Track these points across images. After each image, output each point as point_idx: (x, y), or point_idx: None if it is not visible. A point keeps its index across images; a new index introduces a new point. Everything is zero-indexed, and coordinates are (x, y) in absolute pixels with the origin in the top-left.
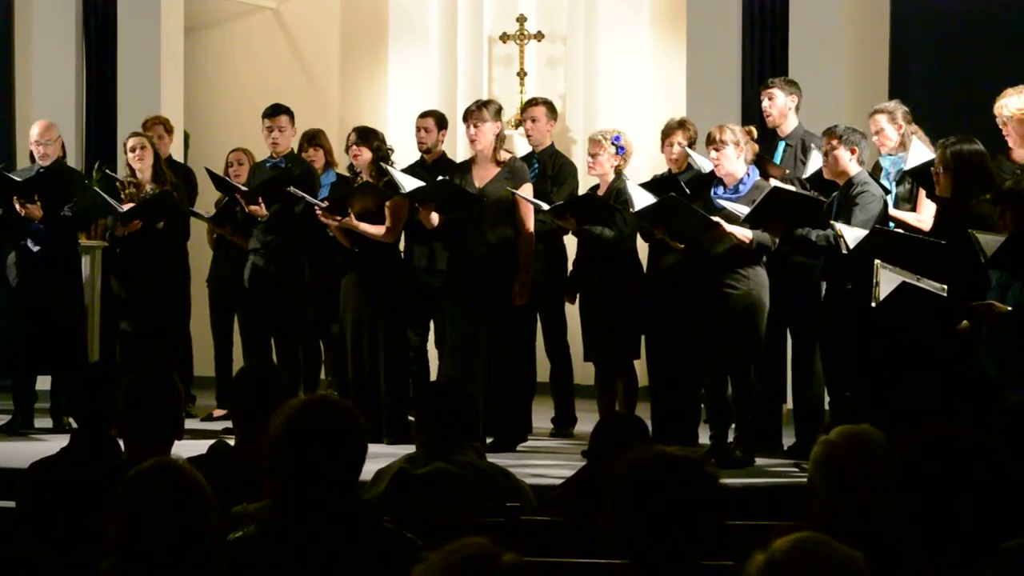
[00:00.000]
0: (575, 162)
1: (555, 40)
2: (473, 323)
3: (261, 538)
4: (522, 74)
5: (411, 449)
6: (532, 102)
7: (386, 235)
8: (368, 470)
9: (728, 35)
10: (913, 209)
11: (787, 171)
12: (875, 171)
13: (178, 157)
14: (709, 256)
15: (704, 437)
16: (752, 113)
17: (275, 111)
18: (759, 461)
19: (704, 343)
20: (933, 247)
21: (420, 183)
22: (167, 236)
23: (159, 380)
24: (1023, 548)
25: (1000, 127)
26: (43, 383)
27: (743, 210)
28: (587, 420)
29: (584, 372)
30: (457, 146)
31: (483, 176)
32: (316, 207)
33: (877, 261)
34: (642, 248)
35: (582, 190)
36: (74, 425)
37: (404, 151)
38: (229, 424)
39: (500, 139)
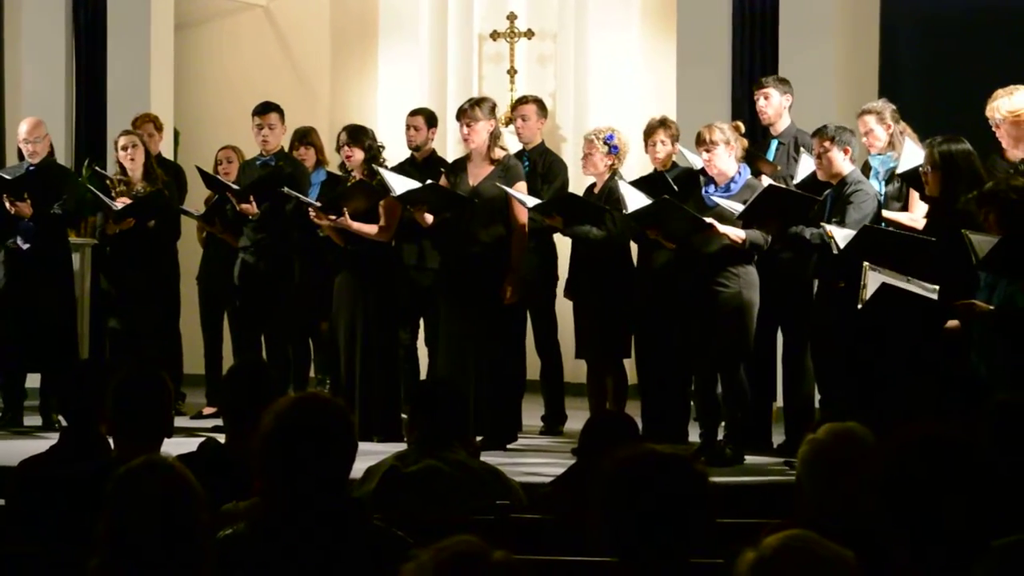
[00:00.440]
0: (565, 160)
1: (545, 38)
2: (464, 321)
3: (251, 536)
4: (512, 72)
5: (402, 447)
6: (522, 100)
7: (381, 234)
8: (358, 468)
9: (718, 33)
10: (903, 208)
11: (779, 167)
12: (864, 171)
13: (168, 155)
14: (701, 255)
15: (694, 435)
16: (742, 111)
17: (265, 109)
18: (749, 459)
19: (694, 342)
20: (924, 245)
21: (411, 185)
22: (158, 234)
23: (149, 378)
24: (1014, 546)
25: (993, 129)
26: (33, 381)
27: (736, 207)
28: (577, 418)
29: (574, 370)
30: (447, 144)
31: (477, 174)
32: (310, 207)
33: (866, 263)
34: (634, 247)
35: (573, 188)
36: (64, 423)
37: (394, 149)
38: (219, 422)
39: (495, 137)
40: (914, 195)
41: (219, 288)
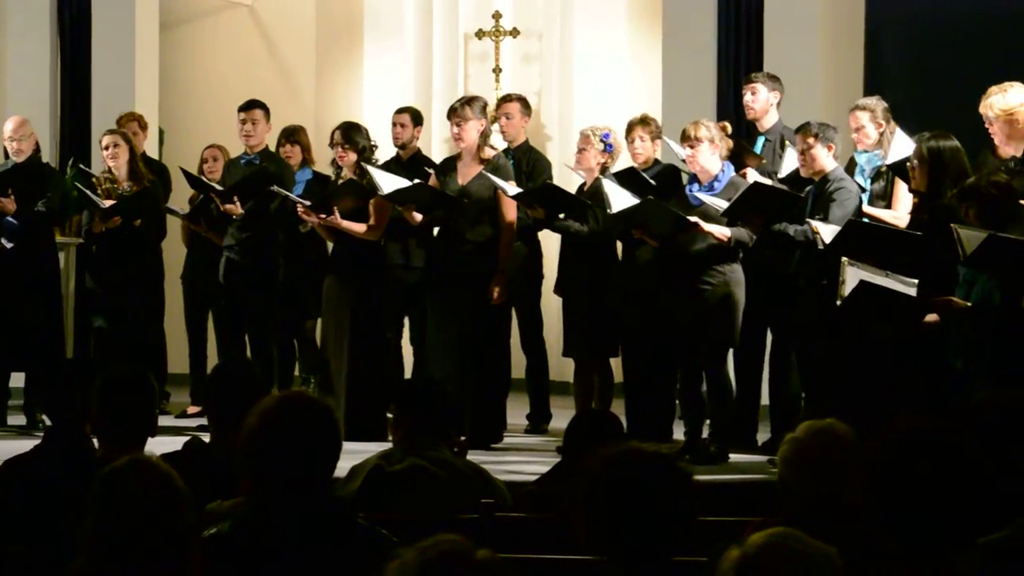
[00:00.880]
0: (550, 158)
1: (530, 36)
2: (451, 320)
3: (235, 535)
4: (497, 70)
5: (387, 446)
6: (506, 98)
7: (370, 232)
8: (343, 467)
9: (704, 31)
10: (888, 207)
11: (764, 161)
12: (850, 167)
13: (152, 154)
14: (686, 253)
15: (679, 433)
16: (727, 108)
17: (249, 105)
18: (733, 457)
19: (680, 340)
20: (909, 239)
21: (399, 184)
22: (144, 234)
23: (133, 377)
24: (999, 543)
25: (986, 125)
26: (17, 380)
27: (721, 204)
28: (562, 416)
29: (559, 368)
30: (432, 143)
31: (466, 174)
32: (299, 205)
33: (844, 259)
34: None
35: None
36: (48, 422)
37: (379, 147)
38: (203, 421)
39: (485, 136)
40: (898, 193)
41: (203, 287)
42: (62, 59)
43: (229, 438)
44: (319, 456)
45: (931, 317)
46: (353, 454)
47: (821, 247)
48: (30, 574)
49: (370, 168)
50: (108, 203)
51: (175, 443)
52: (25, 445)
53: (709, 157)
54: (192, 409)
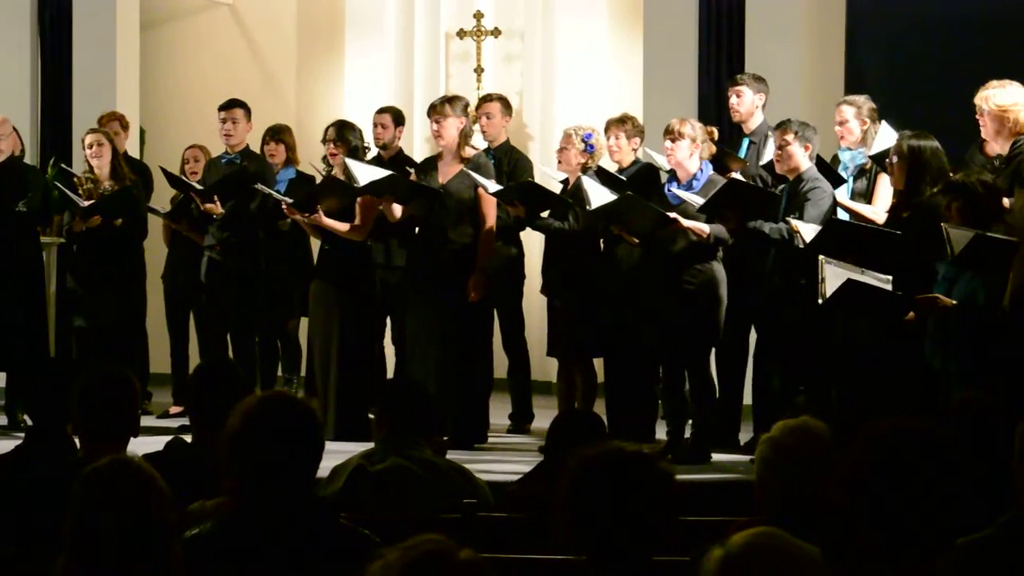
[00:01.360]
0: (532, 158)
1: (512, 36)
2: (432, 320)
3: (218, 535)
4: (479, 70)
5: (370, 446)
6: (487, 98)
7: (355, 232)
8: (325, 466)
9: (685, 31)
10: (870, 204)
11: (747, 164)
12: (833, 163)
13: (134, 153)
14: (666, 252)
15: (661, 433)
16: (708, 109)
17: (230, 104)
18: (716, 457)
19: (662, 339)
20: (889, 238)
21: (375, 175)
22: (126, 233)
23: (115, 377)
24: (978, 543)
25: (977, 117)
26: None
27: (698, 200)
28: (544, 416)
29: (541, 368)
30: (414, 143)
31: (447, 172)
32: (283, 203)
33: (821, 257)
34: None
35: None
36: (29, 422)
37: (371, 149)
38: (185, 421)
39: (465, 135)
40: (879, 189)
41: (185, 287)
42: (42, 58)
43: (211, 438)
44: (301, 456)
45: (911, 316)
46: (336, 454)
47: (802, 246)
48: (11, 574)
49: (349, 161)
50: (88, 203)
51: (157, 443)
52: (6, 445)
53: (687, 155)
54: (174, 409)
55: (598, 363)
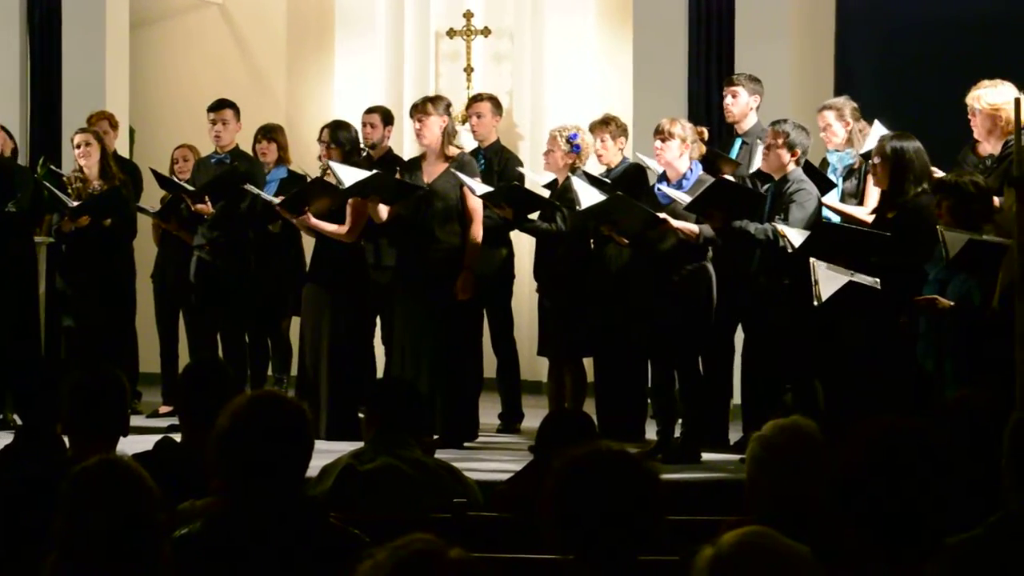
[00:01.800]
0: (522, 158)
1: (502, 36)
2: (421, 319)
3: (207, 535)
4: (469, 70)
5: (359, 445)
6: (477, 98)
7: (346, 234)
8: (314, 466)
9: (674, 31)
10: (860, 204)
11: (739, 166)
12: (822, 166)
13: (123, 153)
14: (656, 252)
15: (651, 432)
16: (698, 109)
17: (219, 105)
18: (706, 456)
19: (651, 339)
20: (877, 239)
21: (359, 177)
22: (115, 233)
23: (104, 377)
24: (968, 543)
25: (969, 116)
26: None
27: (685, 198)
28: (534, 416)
29: (531, 368)
30: (404, 142)
31: (432, 172)
32: (272, 203)
33: (812, 259)
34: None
35: (529, 185)
36: (19, 422)
37: (365, 151)
38: (175, 421)
39: (448, 134)
40: (869, 189)
41: (174, 286)
42: (32, 58)
43: (200, 438)
44: (291, 456)
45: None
46: (325, 453)
47: (790, 250)
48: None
49: (332, 164)
50: (76, 203)
51: (146, 443)
52: None
53: (677, 154)
54: (163, 409)
55: (588, 363)
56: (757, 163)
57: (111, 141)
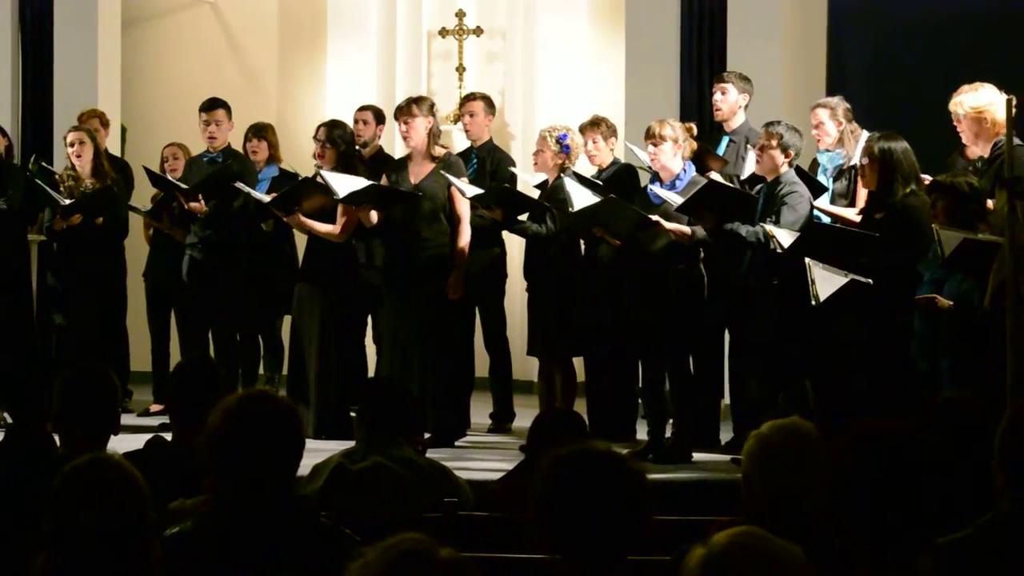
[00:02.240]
0: (513, 157)
1: (494, 35)
2: (411, 318)
3: (198, 533)
4: (461, 69)
5: (350, 444)
6: (470, 97)
7: (337, 235)
8: (306, 465)
9: (666, 30)
10: (850, 205)
11: (727, 163)
12: (812, 167)
13: (115, 151)
14: (647, 253)
15: (642, 432)
16: (690, 109)
17: (212, 105)
18: (697, 456)
19: (642, 339)
20: (866, 240)
21: (353, 186)
22: (107, 231)
23: (95, 375)
24: (958, 543)
25: (955, 123)
26: None
27: (678, 200)
28: (526, 416)
29: (523, 367)
30: (395, 141)
31: (418, 172)
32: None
33: (808, 260)
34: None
35: (520, 186)
36: (9, 420)
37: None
38: (166, 419)
39: (434, 135)
40: (860, 192)
41: (166, 285)
42: (23, 56)
43: (191, 436)
44: (281, 455)
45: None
46: (317, 452)
47: (779, 251)
48: None
49: (324, 173)
50: (68, 201)
51: (137, 441)
52: None
53: (671, 156)
54: (154, 407)
55: (578, 363)
56: (749, 168)
57: (102, 139)
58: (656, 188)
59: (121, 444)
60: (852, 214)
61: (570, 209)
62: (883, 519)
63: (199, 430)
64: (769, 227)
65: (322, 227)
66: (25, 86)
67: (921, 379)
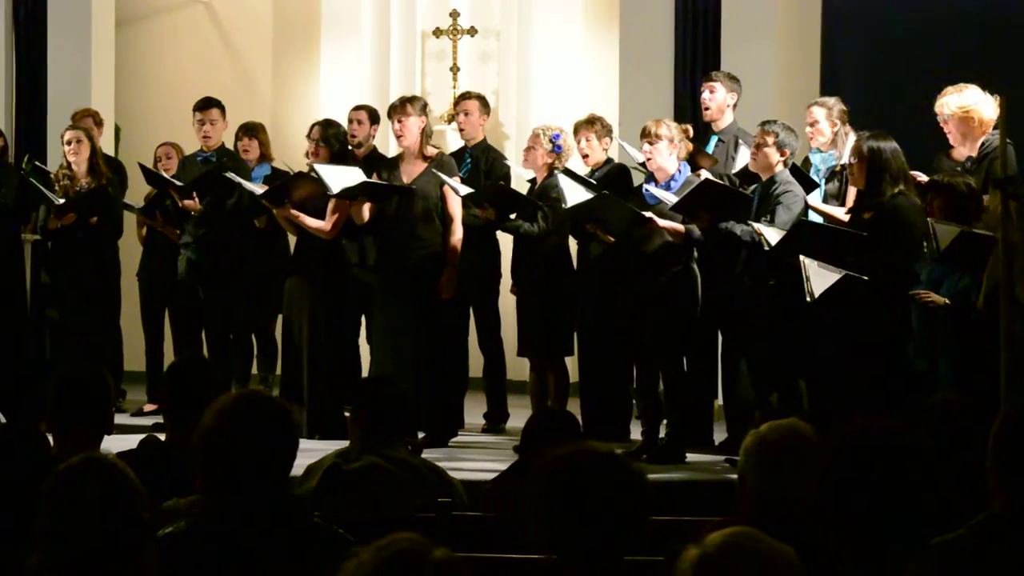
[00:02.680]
0: (507, 156)
1: (488, 35)
2: (404, 318)
3: (192, 533)
4: (455, 69)
5: (344, 444)
6: (465, 96)
7: (327, 231)
8: (299, 465)
9: (661, 30)
10: (842, 207)
11: (717, 162)
12: (805, 166)
13: (108, 150)
14: (641, 251)
15: (636, 433)
16: (684, 108)
17: (206, 104)
18: (690, 457)
19: (636, 339)
20: (856, 239)
21: (347, 181)
22: (101, 231)
23: (88, 375)
24: (951, 544)
25: (941, 124)
26: None
27: (673, 199)
28: (519, 416)
29: (516, 367)
30: (389, 142)
31: (411, 171)
32: (254, 193)
33: (802, 257)
34: (572, 242)
35: (515, 181)
36: (2, 419)
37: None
38: (159, 419)
39: (426, 134)
40: (852, 193)
41: (159, 285)
42: (17, 55)
43: (185, 436)
44: (275, 454)
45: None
46: (311, 452)
47: (767, 248)
48: None
49: (318, 167)
50: (62, 200)
51: (131, 441)
52: None
53: (667, 156)
54: (148, 407)
55: (571, 362)
56: (740, 163)
57: (98, 139)
58: (651, 188)
59: (115, 444)
60: (841, 213)
61: (564, 206)
62: (876, 520)
63: (193, 430)
64: (757, 225)
65: (312, 222)
66: (19, 85)
67: (918, 379)
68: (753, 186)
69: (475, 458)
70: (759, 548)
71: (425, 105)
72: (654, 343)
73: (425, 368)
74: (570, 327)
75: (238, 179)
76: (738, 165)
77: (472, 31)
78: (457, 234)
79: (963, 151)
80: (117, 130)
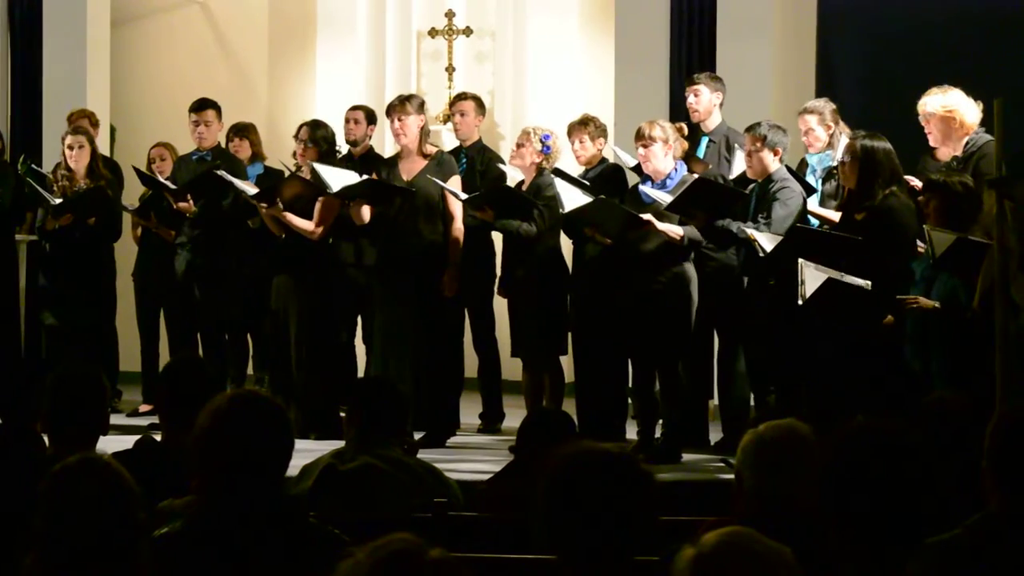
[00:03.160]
0: (503, 157)
1: (484, 35)
2: (401, 318)
3: (187, 534)
4: (450, 69)
5: (340, 444)
6: (461, 96)
7: (313, 232)
8: (295, 465)
9: (656, 31)
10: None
11: (710, 166)
12: (801, 167)
13: (104, 151)
14: (638, 253)
15: (631, 432)
16: (679, 109)
17: (202, 105)
18: (686, 456)
19: (632, 339)
20: (851, 244)
21: (348, 182)
22: (99, 232)
23: (84, 375)
24: (947, 543)
25: (923, 124)
26: None
27: (668, 199)
28: (515, 416)
29: (512, 368)
30: (385, 141)
31: (410, 170)
32: (244, 193)
33: (801, 260)
34: (565, 243)
35: (509, 182)
36: None
37: (341, 152)
38: (155, 420)
39: (425, 133)
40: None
41: (155, 285)
42: (12, 55)
43: (181, 437)
44: (271, 455)
45: (889, 319)
46: (306, 452)
47: (761, 255)
48: None
49: (317, 166)
50: (58, 200)
51: (126, 441)
52: None
53: (662, 158)
54: (144, 407)
55: (566, 362)
56: (737, 170)
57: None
58: (647, 188)
59: (110, 444)
60: (835, 216)
61: (561, 211)
62: (875, 520)
63: (188, 430)
64: (750, 231)
65: (299, 222)
66: (14, 86)
67: (914, 380)
68: (751, 186)
69: (471, 458)
70: (756, 548)
71: (423, 103)
72: (651, 343)
73: (422, 368)
74: (564, 328)
75: (230, 178)
76: (735, 171)
77: (468, 31)
78: (458, 232)
79: (946, 151)
80: (112, 130)
